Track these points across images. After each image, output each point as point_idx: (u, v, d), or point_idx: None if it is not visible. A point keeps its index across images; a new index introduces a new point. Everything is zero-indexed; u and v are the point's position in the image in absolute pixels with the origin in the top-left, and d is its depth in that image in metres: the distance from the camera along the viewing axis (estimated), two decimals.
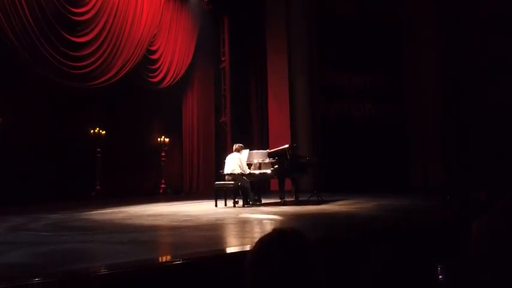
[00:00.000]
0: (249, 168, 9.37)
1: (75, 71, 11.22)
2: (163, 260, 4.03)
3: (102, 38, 11.75)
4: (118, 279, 3.40)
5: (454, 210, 8.03)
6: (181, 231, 5.82)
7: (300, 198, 9.65)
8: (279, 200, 9.21)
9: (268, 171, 9.28)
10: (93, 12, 11.58)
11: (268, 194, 11.09)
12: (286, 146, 9.76)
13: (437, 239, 5.12)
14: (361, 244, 4.81)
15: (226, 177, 9.23)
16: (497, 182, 11.20)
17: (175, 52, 13.46)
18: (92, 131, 11.88)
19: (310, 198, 9.76)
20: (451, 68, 14.59)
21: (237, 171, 9.09)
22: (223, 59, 14.45)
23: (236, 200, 9.17)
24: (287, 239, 1.40)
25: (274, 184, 11.66)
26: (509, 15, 13.24)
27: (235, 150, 9.36)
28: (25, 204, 9.53)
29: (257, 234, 6.00)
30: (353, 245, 4.78)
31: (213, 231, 5.99)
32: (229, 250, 4.39)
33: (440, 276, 2.79)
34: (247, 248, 4.46)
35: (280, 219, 7.10)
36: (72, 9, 11.18)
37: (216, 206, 9.08)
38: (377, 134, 14.78)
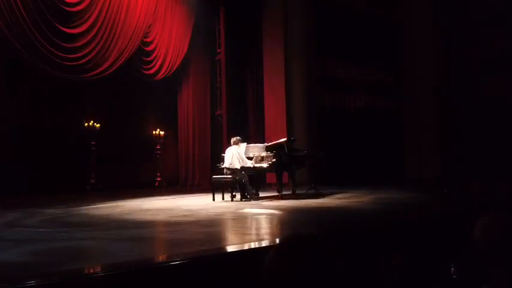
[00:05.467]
0: (250, 161, 9.28)
1: (69, 63, 11.05)
2: (167, 259, 3.94)
3: (96, 29, 11.56)
4: (120, 279, 3.31)
5: (452, 204, 8.04)
6: (182, 227, 5.73)
7: (297, 191, 9.63)
8: (277, 194, 9.17)
9: (265, 164, 9.21)
10: (86, 2, 11.38)
11: (264, 187, 11.04)
12: (284, 139, 9.71)
13: (439, 235, 5.08)
14: (366, 239, 4.76)
15: (224, 170, 9.15)
16: (491, 173, 11.31)
17: (170, 43, 13.30)
18: (86, 123, 11.73)
19: (308, 191, 9.73)
20: (448, 60, 14.58)
21: (236, 165, 9.00)
22: (218, 50, 14.30)
23: (233, 193, 9.09)
24: (306, 245, 1.38)
25: (269, 177, 11.61)
26: (502, 8, 13.26)
27: (233, 143, 9.27)
28: (19, 196, 9.45)
29: (259, 230, 5.96)
30: (357, 240, 4.73)
31: (214, 227, 5.92)
32: (233, 248, 4.31)
33: (454, 276, 2.75)
34: (251, 245, 4.40)
35: (280, 214, 7.05)
36: (65, 0, 10.97)
37: (213, 200, 9.03)
38: (373, 125, 14.76)
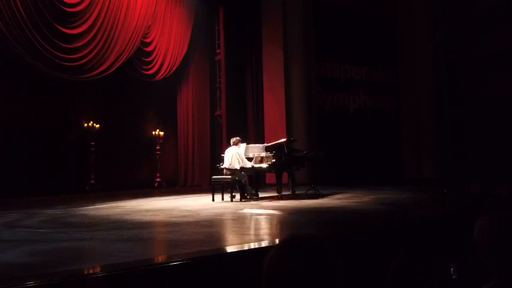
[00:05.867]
0: (250, 161, 9.27)
1: (69, 64, 11.02)
2: (167, 260, 3.93)
3: (95, 30, 11.52)
4: (120, 280, 3.30)
5: (451, 204, 8.04)
6: (181, 227, 5.74)
7: (297, 192, 9.62)
8: (276, 194, 9.16)
9: (265, 165, 9.21)
10: (86, 3, 11.34)
11: (264, 187, 11.05)
12: (284, 139, 9.71)
13: (439, 235, 5.08)
14: (365, 240, 4.76)
15: (224, 171, 9.15)
16: (491, 174, 11.31)
17: (169, 44, 13.27)
18: (85, 124, 11.71)
19: (308, 192, 9.72)
20: (447, 60, 14.58)
21: (236, 165, 9.00)
22: (218, 51, 14.27)
23: (233, 194, 9.08)
24: (306, 245, 1.36)
25: (269, 177, 11.61)
26: (502, 7, 13.25)
27: (233, 144, 9.27)
28: (18, 197, 9.46)
29: (258, 231, 5.95)
30: (357, 240, 4.73)
31: (214, 227, 5.92)
32: (233, 249, 4.31)
33: (453, 277, 2.75)
34: (251, 246, 4.39)
35: (279, 215, 7.05)
36: (65, 0, 10.95)
37: (213, 200, 9.02)
38: (372, 126, 14.77)
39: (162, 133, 13.34)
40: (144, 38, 12.64)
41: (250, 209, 7.82)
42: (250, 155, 9.44)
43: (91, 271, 3.53)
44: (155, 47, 12.98)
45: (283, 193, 9.13)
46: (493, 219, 1.86)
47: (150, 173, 13.26)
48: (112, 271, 3.38)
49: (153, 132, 13.29)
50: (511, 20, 13.02)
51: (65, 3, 10.94)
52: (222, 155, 9.57)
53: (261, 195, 9.42)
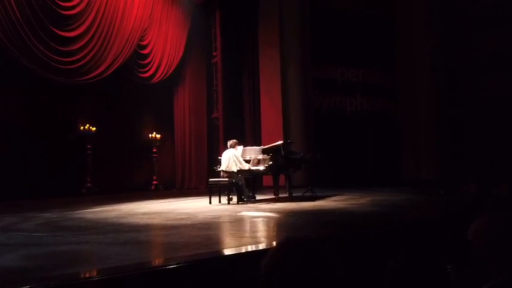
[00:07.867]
0: (247, 164, 9.26)
1: (65, 66, 11.02)
2: (164, 263, 3.91)
3: (91, 32, 11.52)
4: (117, 283, 3.28)
5: (449, 205, 8.04)
6: (178, 230, 5.72)
7: (294, 194, 9.61)
8: (273, 196, 9.15)
9: (262, 167, 9.20)
10: (82, 5, 11.34)
11: (261, 189, 11.03)
12: (280, 142, 9.68)
13: (437, 236, 5.08)
14: (363, 241, 4.75)
15: (221, 173, 9.14)
16: (489, 174, 11.31)
17: (166, 47, 13.26)
18: (81, 127, 11.68)
19: (305, 194, 9.70)
20: (445, 61, 14.61)
21: (233, 167, 8.98)
22: (215, 53, 14.26)
23: (230, 196, 9.06)
24: (303, 248, 1.36)
25: (266, 180, 11.58)
26: (501, 7, 13.28)
27: (230, 147, 9.26)
28: (14, 200, 9.42)
29: (256, 233, 5.94)
30: (355, 242, 4.72)
31: (211, 230, 5.89)
32: (230, 251, 4.30)
33: (451, 277, 2.74)
34: (249, 248, 4.38)
35: (277, 217, 7.04)
36: (61, 3, 10.94)
37: (210, 203, 8.99)
38: (369, 127, 14.77)
39: (158, 136, 13.33)
40: (140, 40, 12.64)
41: (247, 211, 7.81)
42: (247, 158, 9.42)
43: (88, 275, 3.51)
44: (151, 50, 12.97)
45: (280, 195, 9.11)
46: (492, 219, 1.85)
47: (147, 175, 13.23)
48: (109, 274, 3.37)
49: (150, 135, 13.27)
50: (510, 20, 13.03)
51: (61, 6, 10.94)
52: (219, 157, 9.56)
53: (258, 197, 9.41)
